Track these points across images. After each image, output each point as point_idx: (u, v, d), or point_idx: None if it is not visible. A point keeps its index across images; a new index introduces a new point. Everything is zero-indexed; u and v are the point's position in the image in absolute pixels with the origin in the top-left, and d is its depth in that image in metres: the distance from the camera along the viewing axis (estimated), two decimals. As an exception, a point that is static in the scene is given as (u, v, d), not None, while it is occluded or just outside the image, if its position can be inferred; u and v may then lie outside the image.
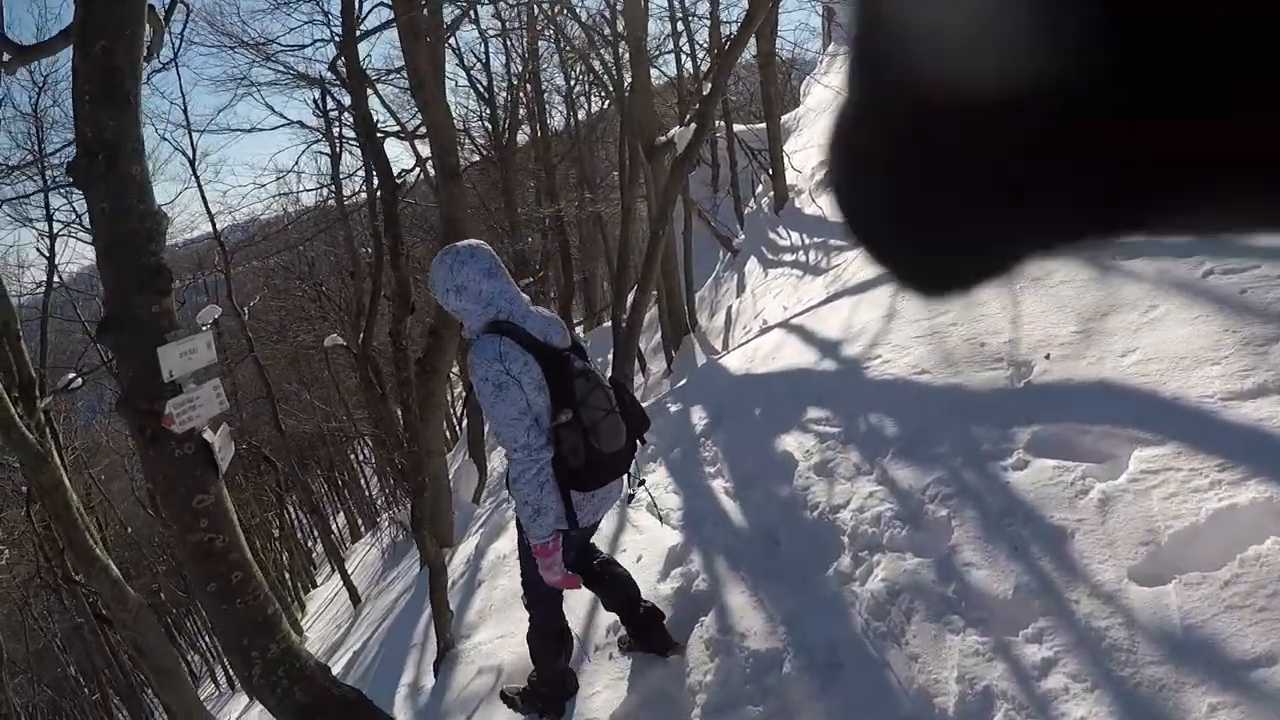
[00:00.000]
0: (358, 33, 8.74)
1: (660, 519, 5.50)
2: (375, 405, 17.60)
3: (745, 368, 6.83)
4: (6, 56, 5.90)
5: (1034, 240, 0.37)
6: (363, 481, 37.52)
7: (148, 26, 4.82)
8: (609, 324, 22.24)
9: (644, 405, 8.28)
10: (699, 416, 6.45)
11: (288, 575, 30.26)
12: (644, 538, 5.38)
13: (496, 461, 19.61)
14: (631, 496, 4.63)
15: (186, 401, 4.50)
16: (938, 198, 0.37)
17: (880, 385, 4.93)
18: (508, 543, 6.70)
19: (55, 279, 16.18)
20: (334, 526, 37.83)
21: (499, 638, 5.25)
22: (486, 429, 16.69)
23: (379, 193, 8.90)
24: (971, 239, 0.38)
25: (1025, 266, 0.38)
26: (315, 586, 29.67)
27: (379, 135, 16.56)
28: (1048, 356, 4.10)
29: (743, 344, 7.84)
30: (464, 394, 17.26)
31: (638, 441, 3.63)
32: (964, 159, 0.35)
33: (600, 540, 5.46)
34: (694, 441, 6.13)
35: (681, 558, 4.95)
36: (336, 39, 15.01)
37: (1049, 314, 4.42)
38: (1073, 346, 4.06)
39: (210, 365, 4.87)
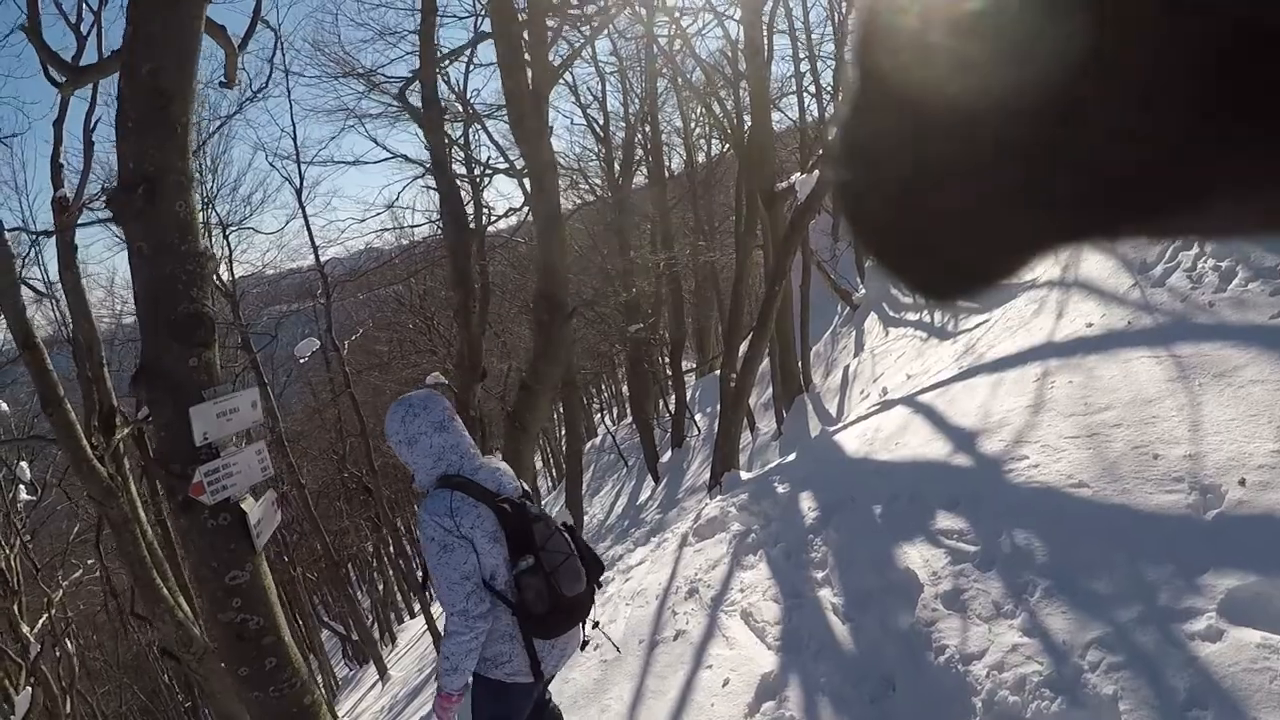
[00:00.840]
0: (439, 59, 8.29)
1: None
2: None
3: (864, 450, 5.98)
4: (62, 78, 5.65)
5: (1038, 241, 0.38)
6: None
7: (220, 50, 4.41)
8: (719, 371, 21.84)
9: (749, 473, 7.64)
10: (808, 506, 5.65)
11: (379, 608, 30.27)
12: (734, 655, 4.64)
13: (597, 508, 19.15)
14: (586, 643, 3.96)
15: (222, 468, 4.00)
16: (943, 202, 0.38)
17: (1027, 495, 4.10)
18: (605, 613, 6.12)
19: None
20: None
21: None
22: (587, 479, 16.35)
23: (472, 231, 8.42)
24: (977, 241, 0.40)
25: (1031, 264, 0.39)
26: (412, 617, 29.45)
27: (488, 172, 16.59)
28: (1242, 482, 3.29)
29: (862, 418, 6.99)
30: (563, 438, 16.82)
31: (595, 585, 3.51)
32: (964, 165, 0.36)
33: (687, 650, 4.84)
34: (801, 538, 5.33)
35: (776, 689, 4.20)
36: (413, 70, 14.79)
37: (1239, 423, 3.60)
38: (1274, 471, 3.25)
39: (256, 426, 4.41)
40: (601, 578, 3.61)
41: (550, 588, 3.22)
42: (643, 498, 16.65)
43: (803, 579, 4.93)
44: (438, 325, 22.94)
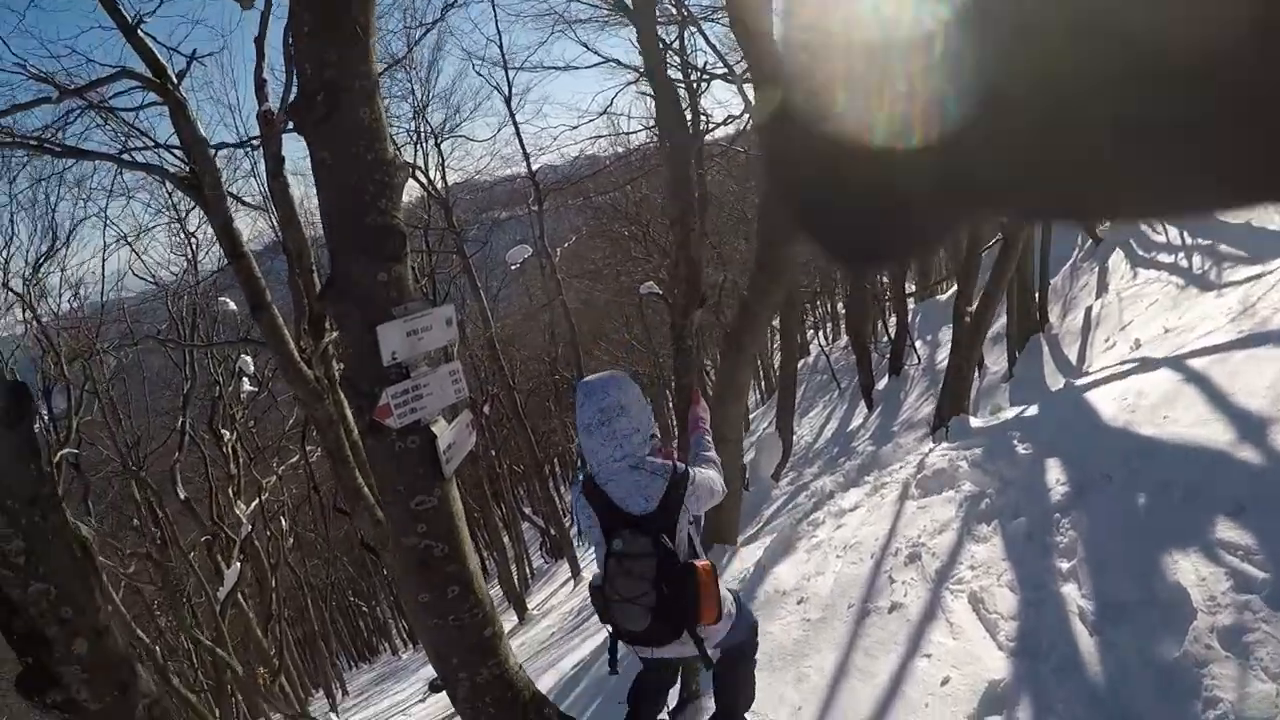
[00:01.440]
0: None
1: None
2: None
3: (1123, 418, 5.08)
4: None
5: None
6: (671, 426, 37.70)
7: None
8: (942, 297, 20.76)
9: (980, 420, 7.01)
10: (1055, 478, 4.85)
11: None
12: (958, 647, 4.05)
13: (805, 430, 18.67)
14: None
15: (411, 390, 3.80)
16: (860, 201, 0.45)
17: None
18: (794, 569, 5.74)
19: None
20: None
21: (750, 713, 4.32)
22: (796, 399, 15.83)
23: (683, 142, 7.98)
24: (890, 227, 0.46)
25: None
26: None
27: (705, 78, 16.05)
28: None
29: (1116, 376, 6.09)
30: (779, 359, 16.39)
31: (686, 630, 3.34)
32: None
33: (902, 628, 4.34)
34: (1045, 516, 4.58)
35: (1003, 702, 3.58)
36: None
37: None
38: None
39: (449, 346, 4.21)
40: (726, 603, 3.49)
41: (606, 612, 3.42)
42: (854, 424, 16.00)
43: (1045, 568, 4.22)
44: (653, 234, 22.70)
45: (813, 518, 6.57)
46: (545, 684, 7.07)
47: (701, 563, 3.26)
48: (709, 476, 3.43)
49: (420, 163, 17.96)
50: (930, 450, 6.70)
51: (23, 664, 3.29)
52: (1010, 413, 6.98)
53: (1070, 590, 3.98)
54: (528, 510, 30.50)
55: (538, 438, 27.15)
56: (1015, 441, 5.60)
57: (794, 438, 15.49)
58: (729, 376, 7.24)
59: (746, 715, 4.02)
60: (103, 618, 3.37)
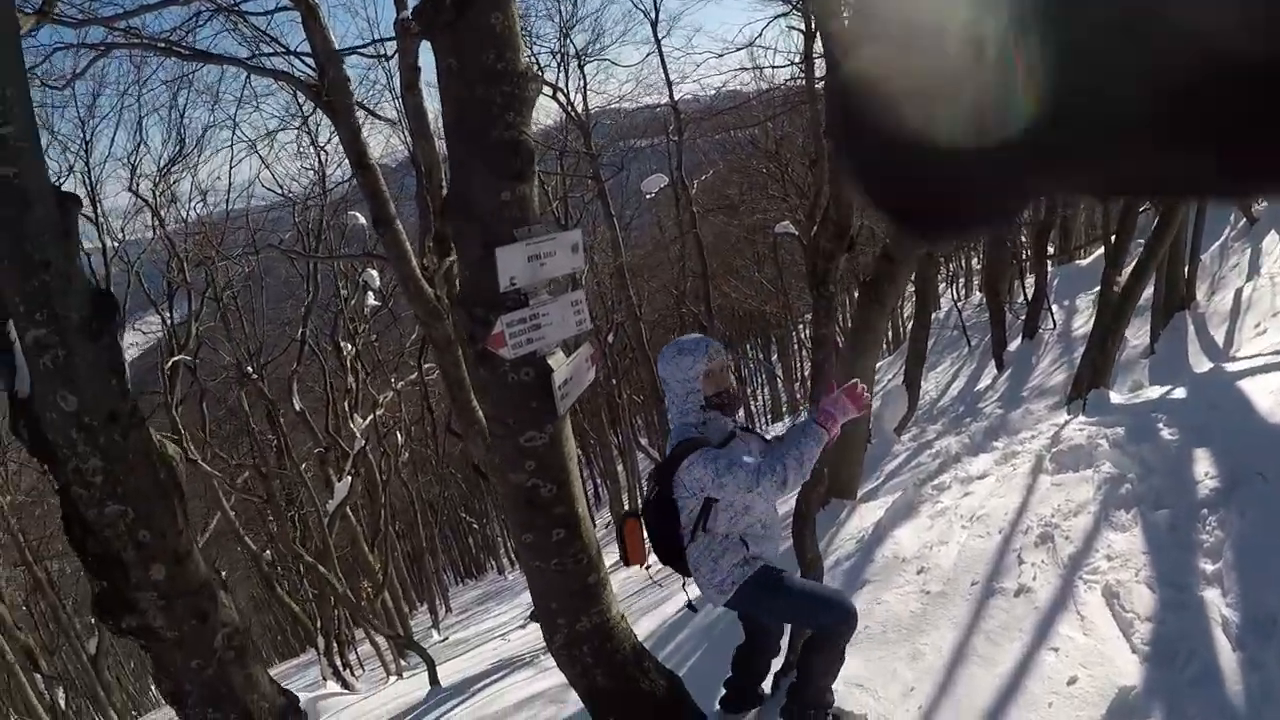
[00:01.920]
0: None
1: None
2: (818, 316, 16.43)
3: None
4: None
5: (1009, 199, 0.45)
6: (796, 367, 37.14)
7: None
8: (1083, 261, 19.72)
9: (1120, 396, 6.53)
10: (1204, 470, 4.44)
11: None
12: (1088, 645, 3.70)
13: (931, 385, 18.03)
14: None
15: (529, 319, 3.55)
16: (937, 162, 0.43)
17: None
18: (915, 535, 5.38)
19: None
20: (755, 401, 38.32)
21: (857, 686, 4.00)
22: (931, 345, 15.25)
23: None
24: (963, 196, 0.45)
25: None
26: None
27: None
28: None
29: (1274, 366, 5.57)
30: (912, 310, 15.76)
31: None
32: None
33: (1029, 614, 4.02)
34: (1191, 510, 4.19)
35: (1135, 711, 3.24)
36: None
37: None
38: None
39: (574, 273, 3.95)
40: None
41: None
42: (982, 384, 15.32)
43: (1188, 567, 3.84)
44: (791, 174, 22.10)
45: (937, 481, 6.21)
46: (646, 627, 6.89)
47: (630, 520, 3.73)
48: (730, 477, 3.41)
49: (562, 84, 17.68)
50: (1066, 422, 6.23)
51: (98, 587, 3.20)
52: (1153, 392, 6.45)
53: (1214, 596, 3.62)
54: (644, 441, 30.48)
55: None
56: (1160, 425, 5.14)
57: (920, 392, 14.91)
58: (863, 329, 6.85)
59: (848, 689, 3.90)
60: (184, 542, 3.27)
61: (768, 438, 3.88)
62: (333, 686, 14.55)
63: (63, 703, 18.12)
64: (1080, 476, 4.98)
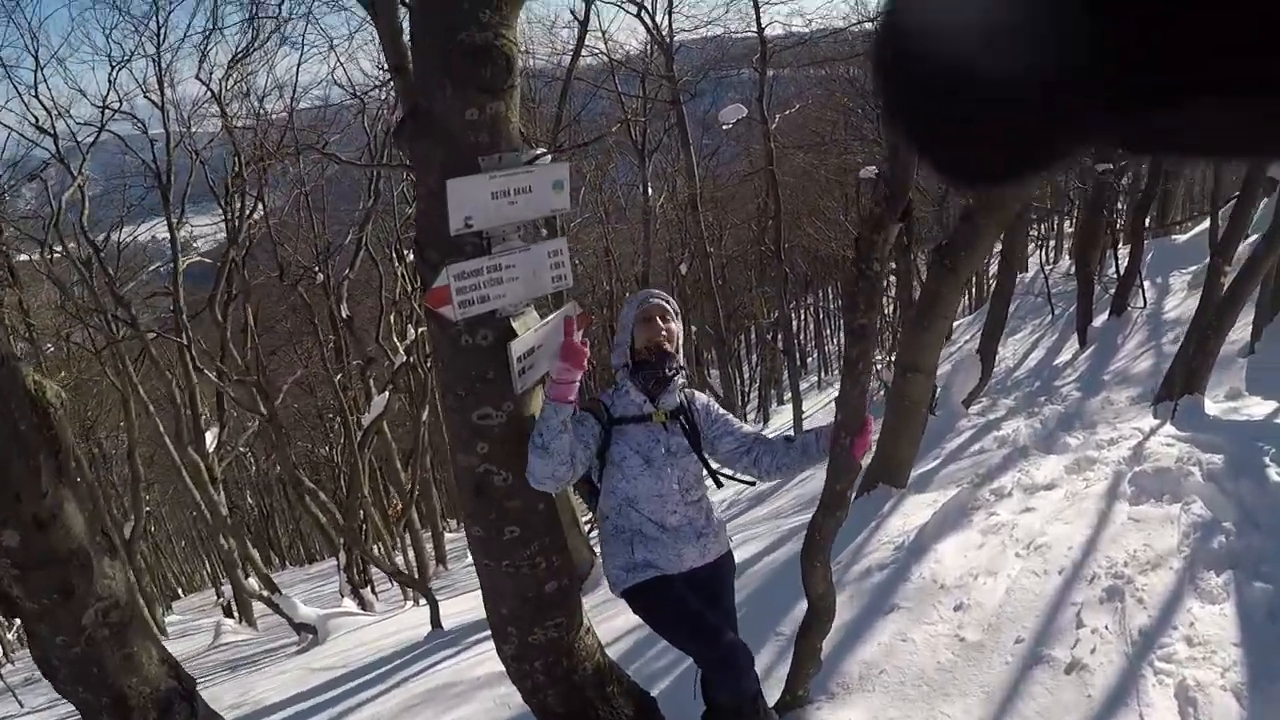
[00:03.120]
0: None
1: None
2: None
3: None
4: None
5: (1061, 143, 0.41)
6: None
7: None
8: (1180, 238, 18.42)
9: (1217, 405, 5.68)
10: None
11: (762, 385, 30.03)
12: None
13: (1008, 353, 17.01)
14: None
15: (487, 270, 2.83)
16: (985, 102, 0.40)
17: None
18: (960, 555, 4.62)
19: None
20: (816, 355, 37.38)
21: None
22: (1012, 310, 14.26)
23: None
24: (1009, 137, 0.42)
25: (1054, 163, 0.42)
26: (781, 404, 28.91)
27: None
28: None
29: None
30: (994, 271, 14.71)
31: None
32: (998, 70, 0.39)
33: (1079, 700, 3.25)
34: None
35: None
36: None
37: None
38: None
39: (555, 216, 3.22)
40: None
41: None
42: (1061, 358, 14.23)
43: None
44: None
45: (997, 484, 5.45)
46: (630, 620, 6.28)
47: None
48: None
49: (647, 3, 16.69)
50: (1153, 431, 5.40)
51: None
52: (1256, 406, 5.55)
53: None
54: (712, 378, 29.73)
55: (730, 308, 26.23)
56: (1267, 459, 4.26)
57: (995, 362, 13.92)
58: (933, 298, 6.02)
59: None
60: (48, 505, 2.67)
61: (735, 425, 3.38)
62: (349, 604, 14.34)
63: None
64: (1164, 514, 4.16)
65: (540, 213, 2.98)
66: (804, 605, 3.46)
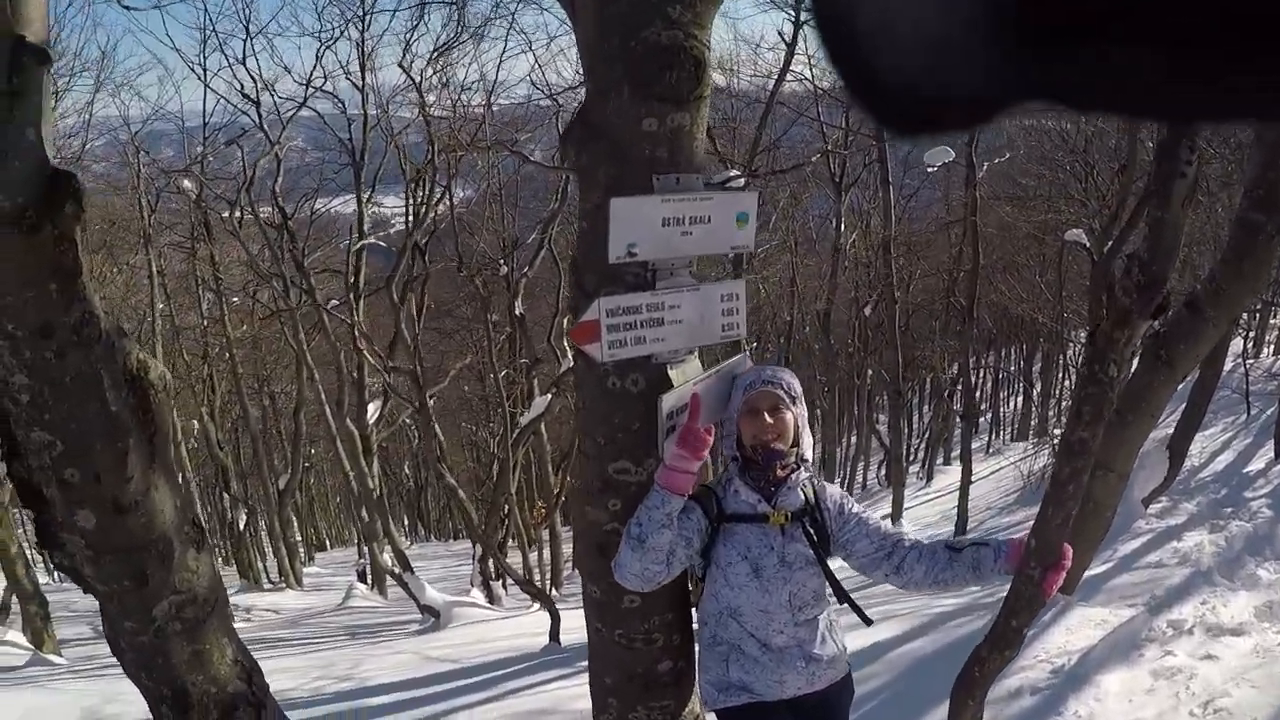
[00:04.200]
0: None
1: None
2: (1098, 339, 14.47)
3: None
4: None
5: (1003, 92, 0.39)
6: (1055, 385, 34.18)
7: None
8: None
9: None
10: None
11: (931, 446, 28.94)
12: None
13: (1194, 447, 15.67)
14: None
15: (646, 309, 2.47)
16: (931, 48, 0.38)
17: None
18: (1124, 700, 4.01)
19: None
20: (990, 415, 35.87)
21: None
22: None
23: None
24: (953, 87, 0.40)
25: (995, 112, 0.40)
26: (947, 462, 27.72)
27: None
28: None
29: None
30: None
31: None
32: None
33: None
34: None
35: None
36: None
37: None
38: None
39: (737, 252, 2.80)
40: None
41: None
42: (1253, 466, 12.92)
43: None
44: (1097, 177, 19.76)
45: (1177, 614, 4.82)
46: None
47: None
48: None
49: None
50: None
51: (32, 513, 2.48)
52: None
53: None
54: (881, 426, 28.81)
55: (908, 358, 25.33)
56: None
57: (1183, 462, 12.77)
58: (1142, 393, 5.34)
59: None
60: (132, 490, 2.44)
61: (873, 524, 2.84)
62: (477, 595, 14.37)
63: (241, 524, 18.85)
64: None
65: (718, 249, 2.58)
66: (942, 712, 2.97)
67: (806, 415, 2.78)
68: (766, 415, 2.67)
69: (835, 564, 2.78)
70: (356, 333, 14.17)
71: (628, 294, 2.41)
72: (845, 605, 2.86)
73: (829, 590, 2.80)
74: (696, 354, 2.73)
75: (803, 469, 2.75)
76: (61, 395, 2.31)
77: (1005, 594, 2.66)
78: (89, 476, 2.39)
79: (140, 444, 2.48)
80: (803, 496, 2.75)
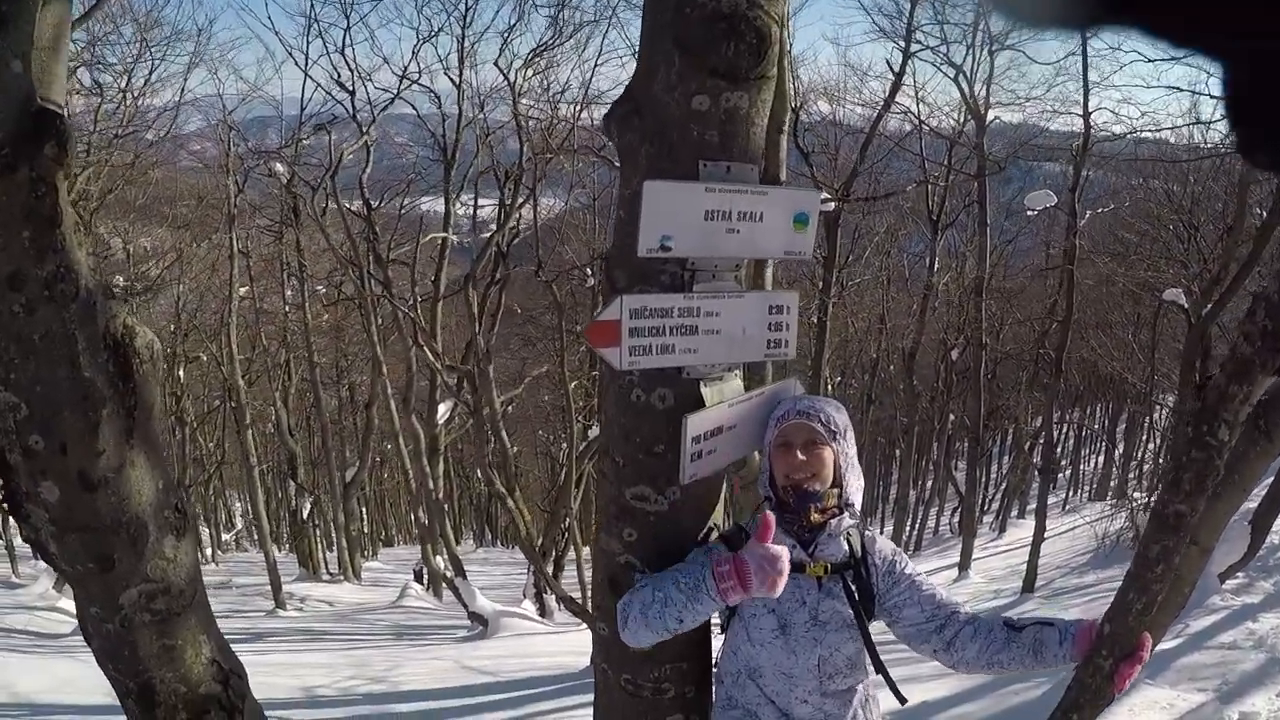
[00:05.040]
0: None
1: None
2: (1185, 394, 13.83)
3: None
4: None
5: None
6: (1138, 449, 33.01)
7: None
8: None
9: None
10: None
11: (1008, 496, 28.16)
12: None
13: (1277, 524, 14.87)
14: None
15: (678, 313, 2.16)
16: None
17: None
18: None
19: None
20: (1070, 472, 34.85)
21: None
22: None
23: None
24: None
25: None
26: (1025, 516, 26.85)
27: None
28: None
29: None
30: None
31: None
32: None
33: None
34: None
35: None
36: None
37: None
38: None
39: (790, 257, 2.47)
40: None
41: None
42: None
43: None
44: (1199, 239, 18.99)
45: (1249, 705, 4.52)
46: None
47: None
48: None
49: (966, 68, 15.72)
50: None
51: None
52: None
53: None
54: (958, 474, 28.07)
55: (991, 406, 24.63)
56: None
57: (1266, 538, 12.02)
58: (1235, 466, 4.86)
59: None
60: (103, 465, 2.23)
61: (927, 589, 2.42)
62: (528, 606, 14.20)
63: (305, 512, 18.93)
64: None
65: (770, 252, 2.29)
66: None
67: (855, 454, 2.40)
68: (799, 451, 2.31)
69: (877, 629, 2.39)
70: (415, 328, 14.07)
71: (659, 294, 2.11)
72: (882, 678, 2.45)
73: (867, 659, 2.41)
74: (739, 373, 2.42)
75: (846, 515, 2.37)
76: (28, 354, 2.12)
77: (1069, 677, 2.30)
78: (54, 446, 2.19)
79: (116, 416, 2.27)
80: (847, 547, 2.38)
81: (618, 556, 2.40)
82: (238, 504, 32.10)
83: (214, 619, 2.69)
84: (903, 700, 2.41)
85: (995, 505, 30.05)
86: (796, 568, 2.29)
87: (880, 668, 2.40)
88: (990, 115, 16.43)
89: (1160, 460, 25.16)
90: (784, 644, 2.33)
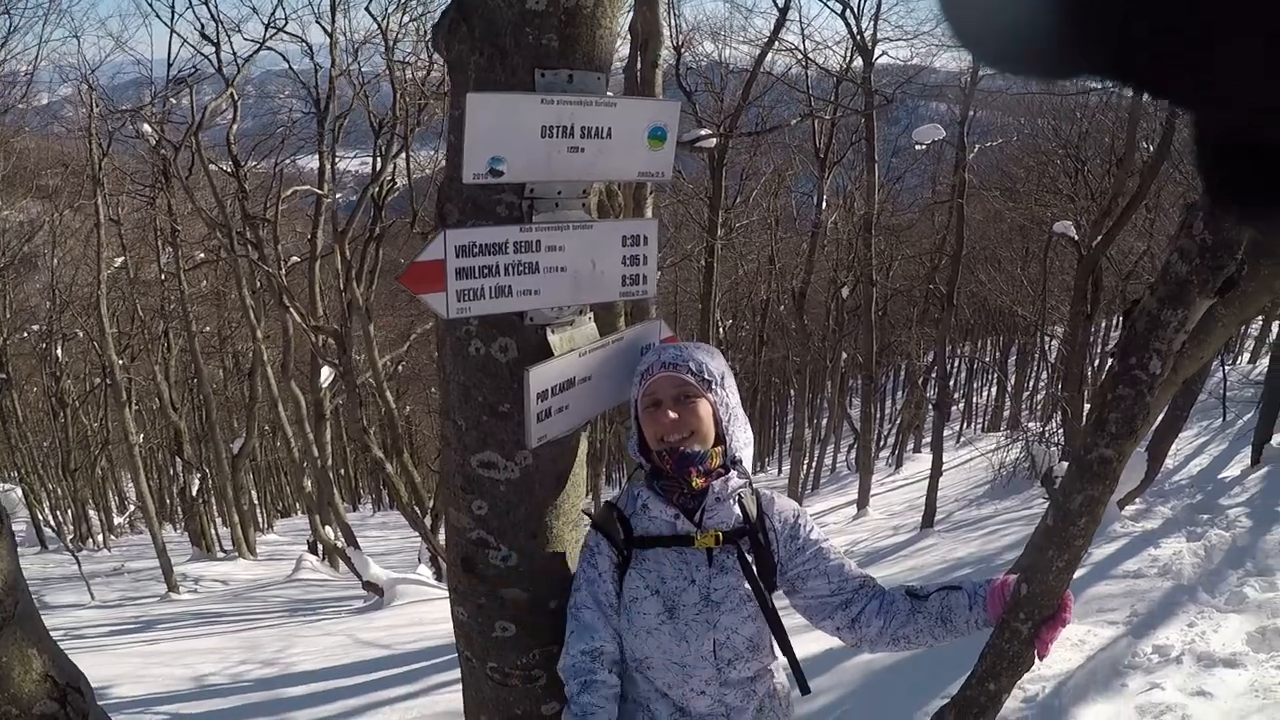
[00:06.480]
0: None
1: None
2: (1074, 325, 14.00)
3: None
4: None
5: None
6: (1029, 380, 33.76)
7: None
8: None
9: None
10: None
11: (901, 431, 28.57)
12: None
13: (1171, 451, 15.28)
14: None
15: (511, 248, 1.85)
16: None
17: None
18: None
19: None
20: (963, 404, 35.56)
21: None
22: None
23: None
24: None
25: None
26: (917, 451, 27.27)
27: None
28: None
29: None
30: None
31: None
32: None
33: None
34: None
35: None
36: None
37: None
38: None
39: (645, 183, 2.16)
40: None
41: None
42: (1229, 473, 12.24)
43: None
44: (1087, 174, 19.25)
45: (1162, 638, 4.43)
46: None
47: None
48: None
49: (854, 3, 15.47)
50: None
51: None
52: None
53: None
54: (853, 412, 28.27)
55: (884, 343, 24.88)
56: None
57: (1161, 466, 12.29)
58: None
59: None
60: None
61: (834, 558, 2.10)
62: (424, 571, 13.83)
63: (194, 489, 18.23)
64: None
65: (621, 173, 1.96)
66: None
67: (737, 402, 2.08)
68: (670, 409, 2.00)
69: (777, 601, 2.07)
70: (280, 289, 13.45)
71: (491, 227, 1.79)
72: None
73: (771, 639, 2.09)
74: (590, 316, 2.11)
75: (734, 474, 2.06)
76: None
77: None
78: None
79: None
80: (739, 511, 2.06)
81: (469, 533, 2.09)
82: (130, 485, 31.09)
83: (45, 629, 2.32)
84: (805, 690, 2.09)
85: (891, 441, 30.54)
86: (683, 540, 2.01)
87: (786, 649, 2.07)
88: (878, 51, 16.27)
89: (1051, 391, 25.74)
90: (672, 630, 2.01)
